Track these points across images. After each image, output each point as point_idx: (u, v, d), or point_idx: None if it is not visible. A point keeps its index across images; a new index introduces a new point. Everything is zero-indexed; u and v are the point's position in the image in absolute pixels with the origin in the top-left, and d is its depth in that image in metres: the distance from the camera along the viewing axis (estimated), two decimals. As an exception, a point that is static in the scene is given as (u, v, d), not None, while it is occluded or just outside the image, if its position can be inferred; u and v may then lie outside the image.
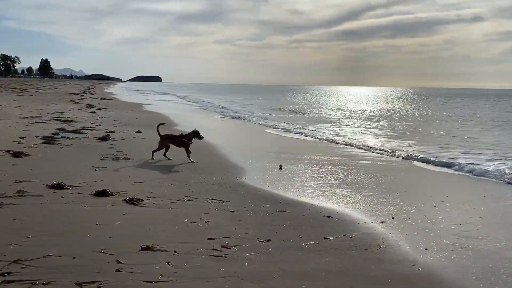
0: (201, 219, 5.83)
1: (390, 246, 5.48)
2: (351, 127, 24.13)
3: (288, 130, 20.22)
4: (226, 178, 8.92)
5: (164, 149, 10.20)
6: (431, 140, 18.53)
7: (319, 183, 9.03)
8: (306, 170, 10.42)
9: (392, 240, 5.71)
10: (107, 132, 14.37)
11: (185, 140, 10.13)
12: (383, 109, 45.36)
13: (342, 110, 41.72)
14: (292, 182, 9.00)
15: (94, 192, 6.67)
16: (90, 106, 27.30)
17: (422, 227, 6.36)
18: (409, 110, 44.87)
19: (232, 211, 6.38)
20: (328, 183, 9.06)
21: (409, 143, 16.62)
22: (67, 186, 6.92)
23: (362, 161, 12.21)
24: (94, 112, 22.81)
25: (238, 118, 26.92)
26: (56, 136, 12.49)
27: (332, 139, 17.34)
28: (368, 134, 20.32)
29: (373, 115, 34.63)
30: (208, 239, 5.09)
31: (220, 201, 6.89)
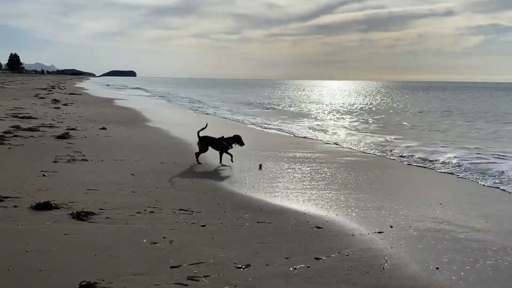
0: (164, 238, 4.71)
1: (395, 267, 4.51)
2: (331, 121, 23.29)
3: (266, 126, 19.18)
4: (199, 181, 7.82)
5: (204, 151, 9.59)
6: (414, 134, 17.79)
7: (304, 185, 8.03)
8: (289, 170, 9.40)
9: (396, 258, 4.74)
10: (68, 129, 13.03)
11: (225, 144, 9.46)
12: (363, 102, 44.84)
13: (321, 104, 40.97)
14: (274, 184, 7.97)
15: (34, 204, 5.46)
16: (55, 101, 25.59)
17: (426, 238, 5.43)
18: (389, 103, 44.46)
19: (204, 225, 5.29)
20: (314, 185, 8.07)
21: (391, 138, 15.81)
22: (2, 197, 5.68)
23: (347, 158, 11.28)
24: (59, 108, 21.25)
25: (213, 113, 25.69)
26: (7, 135, 11.09)
27: (313, 135, 16.40)
28: (349, 128, 19.47)
29: (353, 109, 33.97)
30: (172, 267, 3.99)
31: (190, 212, 5.78)
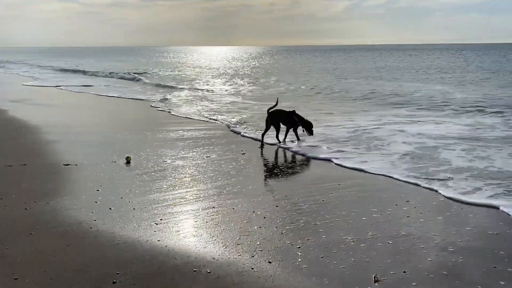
0: None
1: None
2: (221, 86, 20.03)
3: (136, 96, 15.17)
4: (2, 208, 4.15)
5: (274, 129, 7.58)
6: (318, 103, 15.49)
7: (205, 191, 4.89)
8: (176, 162, 6.14)
9: None
10: None
11: (296, 119, 7.54)
12: (250, 66, 42.15)
13: (204, 68, 37.21)
14: (152, 196, 4.65)
15: None
16: None
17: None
18: (274, 65, 42.48)
19: None
20: (221, 187, 4.97)
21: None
22: None
23: (249, 137, 8.19)
24: None
25: (70, 86, 20.42)
26: None
27: (201, 106, 13.07)
28: (239, 95, 16.42)
29: (242, 74, 31.04)
30: None
31: None
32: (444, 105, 11.90)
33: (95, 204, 4.39)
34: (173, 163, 6.11)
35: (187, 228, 3.85)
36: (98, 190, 4.83)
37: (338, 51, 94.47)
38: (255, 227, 3.87)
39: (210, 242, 3.57)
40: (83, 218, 3.99)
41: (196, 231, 3.78)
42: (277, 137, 7.51)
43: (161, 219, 4.02)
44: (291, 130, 7.68)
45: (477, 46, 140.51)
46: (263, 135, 7.49)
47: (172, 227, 3.85)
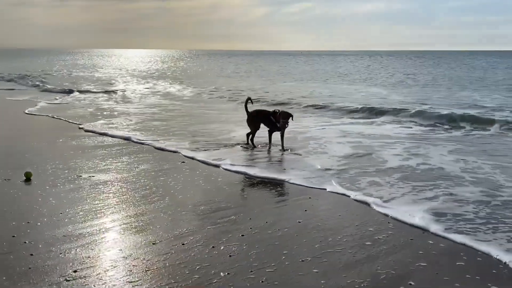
0: None
1: None
2: (132, 86, 18.14)
3: (48, 101, 13.06)
4: None
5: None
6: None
7: (139, 215, 3.54)
8: (94, 175, 4.69)
9: None
10: None
11: (273, 119, 6.53)
12: (168, 68, 40.07)
13: (117, 70, 34.54)
14: (60, 232, 3.20)
15: None
16: None
17: None
18: (193, 68, 40.86)
19: None
20: (160, 212, 3.64)
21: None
22: None
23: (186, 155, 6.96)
24: None
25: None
26: None
27: (122, 110, 11.43)
28: (162, 96, 14.93)
29: (159, 75, 29.11)
30: None
31: None
32: (384, 106, 11.45)
33: (-32, 251, 2.86)
34: (91, 178, 4.64)
35: (119, 285, 2.50)
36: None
37: (261, 55, 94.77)
38: (222, 274, 2.63)
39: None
40: None
41: (133, 290, 2.45)
42: (251, 139, 6.60)
43: (75, 271, 2.63)
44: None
45: (387, 52, 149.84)
46: (250, 138, 6.61)
47: (95, 285, 2.48)
